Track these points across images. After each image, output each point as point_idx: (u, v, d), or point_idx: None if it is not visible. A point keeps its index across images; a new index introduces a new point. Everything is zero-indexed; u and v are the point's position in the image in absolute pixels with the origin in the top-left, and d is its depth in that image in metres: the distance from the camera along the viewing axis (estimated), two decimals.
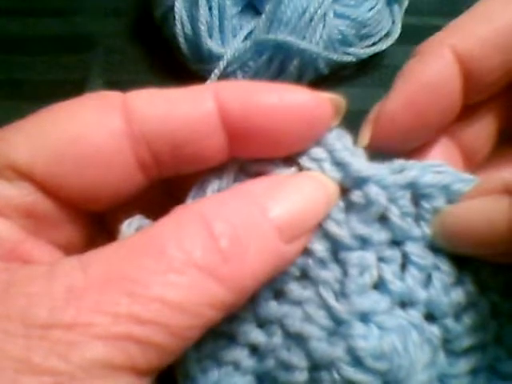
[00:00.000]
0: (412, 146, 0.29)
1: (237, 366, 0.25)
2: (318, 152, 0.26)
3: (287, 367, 0.24)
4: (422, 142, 0.29)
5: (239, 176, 0.26)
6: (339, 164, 0.25)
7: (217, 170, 0.26)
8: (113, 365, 0.19)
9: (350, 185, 0.26)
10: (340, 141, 0.26)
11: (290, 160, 0.26)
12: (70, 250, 0.25)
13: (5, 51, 0.60)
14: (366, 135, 0.28)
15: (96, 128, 0.23)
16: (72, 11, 0.63)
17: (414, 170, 0.26)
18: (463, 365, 0.25)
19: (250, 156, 0.25)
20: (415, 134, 0.28)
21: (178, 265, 0.20)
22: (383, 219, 0.26)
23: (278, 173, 0.26)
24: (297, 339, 0.25)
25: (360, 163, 0.25)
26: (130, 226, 0.24)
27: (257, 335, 0.25)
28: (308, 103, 0.24)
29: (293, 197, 0.24)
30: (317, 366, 0.24)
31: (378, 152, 0.28)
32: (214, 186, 0.26)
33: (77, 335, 0.19)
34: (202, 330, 0.21)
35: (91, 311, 0.19)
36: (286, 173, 0.26)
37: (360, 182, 0.25)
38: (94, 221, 0.27)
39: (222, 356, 0.25)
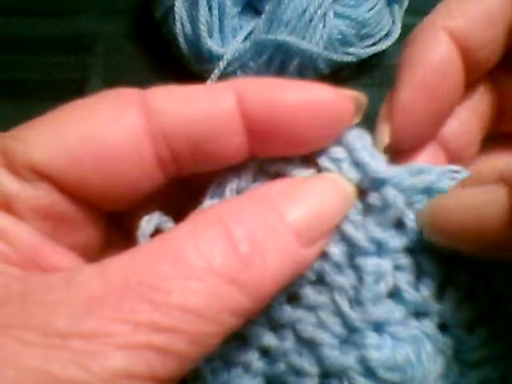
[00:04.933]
0: (428, 138, 0.29)
1: (247, 368, 0.25)
2: (337, 152, 0.25)
3: (298, 372, 0.24)
4: (437, 131, 0.29)
5: (258, 176, 0.26)
6: (358, 164, 0.25)
7: (235, 170, 0.25)
8: (133, 375, 0.18)
9: (367, 186, 0.25)
10: (360, 140, 0.25)
11: (309, 160, 0.26)
12: (87, 252, 0.25)
13: (5, 51, 0.60)
14: (385, 133, 0.27)
15: (114, 125, 0.23)
16: (72, 11, 0.63)
17: (431, 174, 0.25)
18: (474, 376, 0.25)
19: (270, 155, 0.25)
20: (432, 122, 0.28)
21: (197, 271, 0.20)
22: (399, 225, 0.25)
23: (297, 174, 0.25)
24: (309, 345, 0.24)
25: (379, 164, 0.25)
26: (149, 222, 0.24)
27: (269, 338, 0.25)
28: (330, 100, 0.24)
29: (310, 200, 0.23)
30: (328, 374, 0.24)
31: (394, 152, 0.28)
32: (232, 185, 0.25)
33: (97, 344, 0.18)
34: (222, 336, 0.20)
35: (111, 320, 0.18)
36: (305, 174, 0.25)
37: (378, 183, 0.25)
38: (111, 222, 0.26)
39: (232, 357, 0.25)
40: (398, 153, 0.28)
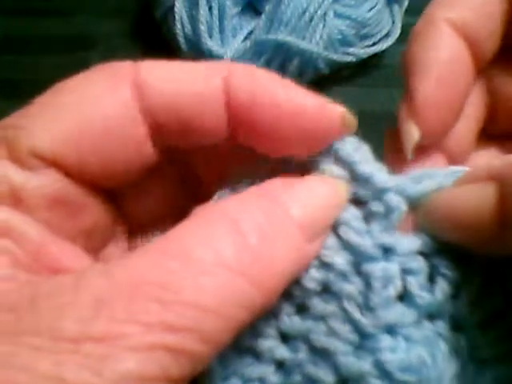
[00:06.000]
0: (450, 131, 0.29)
1: (263, 382, 0.25)
2: (334, 168, 0.25)
3: (314, 382, 0.24)
4: (456, 122, 0.29)
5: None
6: (358, 177, 0.25)
7: (246, 173, 0.26)
8: (146, 377, 0.18)
9: (368, 196, 0.25)
10: (357, 152, 0.25)
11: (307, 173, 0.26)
12: (93, 239, 0.25)
13: (5, 51, 0.60)
14: (413, 131, 0.27)
15: (107, 102, 0.23)
16: (72, 11, 0.63)
17: (437, 177, 0.25)
18: (490, 373, 0.24)
19: (253, 146, 0.25)
20: (453, 113, 0.28)
21: (208, 267, 0.19)
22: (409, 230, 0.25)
23: None
24: (323, 354, 0.24)
25: (380, 175, 0.25)
26: None
27: (282, 351, 0.25)
28: (312, 109, 0.24)
29: (310, 195, 0.24)
30: (344, 381, 0.24)
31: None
32: (241, 187, 0.25)
33: (108, 348, 0.18)
34: (234, 333, 0.20)
35: (122, 322, 0.18)
36: None
37: (380, 192, 0.25)
38: (115, 209, 0.27)
39: (247, 373, 0.25)
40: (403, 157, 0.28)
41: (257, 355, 0.25)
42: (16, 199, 0.22)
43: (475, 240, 0.23)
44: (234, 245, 0.20)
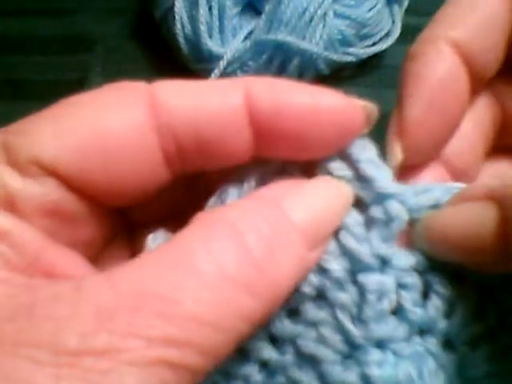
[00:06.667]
0: (439, 151, 0.29)
1: (247, 380, 0.25)
2: (339, 166, 0.25)
3: None
4: (447, 143, 0.29)
5: (263, 178, 0.25)
6: (362, 177, 0.25)
7: (236, 179, 0.25)
8: None
9: (370, 199, 0.25)
10: (365, 152, 0.25)
11: (310, 171, 0.25)
12: (91, 247, 0.25)
13: (5, 51, 0.60)
14: (397, 150, 0.27)
15: (121, 120, 0.22)
16: (72, 11, 0.63)
17: (436, 192, 0.25)
18: None
19: (273, 155, 0.25)
20: (443, 134, 0.28)
21: (210, 280, 0.19)
22: (408, 244, 0.25)
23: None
24: (310, 360, 0.24)
25: (384, 179, 0.24)
26: (154, 241, 0.23)
27: (269, 352, 0.25)
28: (341, 108, 0.23)
29: (313, 201, 0.23)
30: None
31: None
32: (233, 196, 0.25)
33: (109, 362, 0.17)
34: (234, 345, 0.20)
35: (123, 335, 0.18)
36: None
37: (382, 198, 0.24)
38: (115, 217, 0.26)
39: (232, 370, 0.25)
40: (402, 172, 0.28)
41: (243, 354, 0.25)
42: (10, 204, 0.22)
43: (473, 261, 0.23)
44: (238, 257, 0.20)
